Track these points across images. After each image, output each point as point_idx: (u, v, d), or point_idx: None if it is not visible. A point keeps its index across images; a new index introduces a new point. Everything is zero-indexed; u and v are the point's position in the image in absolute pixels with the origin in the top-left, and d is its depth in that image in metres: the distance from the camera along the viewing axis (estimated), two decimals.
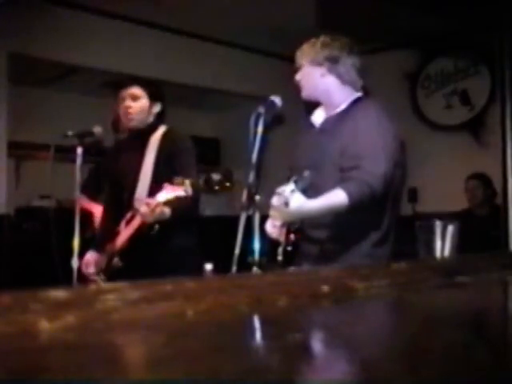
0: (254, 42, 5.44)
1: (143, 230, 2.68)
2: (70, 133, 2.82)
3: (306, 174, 2.09)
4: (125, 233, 2.76)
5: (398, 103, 5.58)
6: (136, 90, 2.86)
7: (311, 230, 2.30)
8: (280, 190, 2.02)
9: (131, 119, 2.86)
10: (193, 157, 2.85)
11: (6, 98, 4.51)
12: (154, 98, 2.88)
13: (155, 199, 2.55)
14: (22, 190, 5.43)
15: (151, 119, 2.90)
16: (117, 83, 2.98)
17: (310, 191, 2.08)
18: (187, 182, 2.46)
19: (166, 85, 5.37)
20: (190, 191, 2.46)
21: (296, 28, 4.58)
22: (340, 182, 2.14)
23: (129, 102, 2.85)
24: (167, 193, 2.50)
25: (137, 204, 2.79)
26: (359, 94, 2.36)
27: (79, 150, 2.76)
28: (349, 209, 2.08)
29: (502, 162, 3.78)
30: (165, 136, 2.86)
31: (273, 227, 2.30)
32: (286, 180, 2.48)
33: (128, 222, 2.78)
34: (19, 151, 5.30)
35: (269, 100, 2.29)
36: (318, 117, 2.42)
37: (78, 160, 2.76)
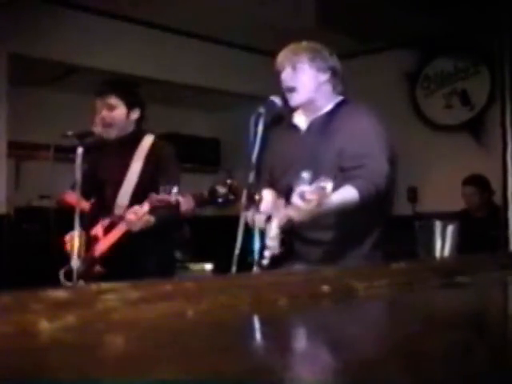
0: (254, 41, 5.44)
1: (126, 237, 2.69)
2: (69, 133, 2.82)
3: (305, 175, 2.07)
4: (106, 240, 2.76)
5: (397, 103, 5.59)
6: (112, 100, 2.86)
7: (308, 231, 2.25)
8: (314, 187, 1.91)
9: (107, 130, 2.86)
10: (178, 169, 2.91)
11: (6, 98, 4.51)
12: (131, 105, 2.88)
13: (142, 208, 2.56)
14: (22, 190, 5.43)
15: (131, 126, 2.91)
16: (96, 91, 2.96)
17: None
18: (175, 189, 2.46)
19: (166, 85, 5.41)
20: (176, 199, 2.47)
21: (296, 28, 4.58)
22: (341, 181, 2.12)
23: (104, 112, 2.86)
24: (155, 201, 2.51)
25: (118, 211, 2.80)
26: (342, 97, 2.37)
27: (79, 150, 2.75)
28: (358, 207, 2.06)
29: (501, 162, 3.78)
30: (152, 147, 2.88)
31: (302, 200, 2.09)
32: (266, 183, 2.45)
33: (107, 229, 2.78)
34: (19, 151, 5.29)
35: (269, 100, 2.28)
36: (299, 119, 2.40)
37: (78, 160, 2.75)
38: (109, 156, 2.97)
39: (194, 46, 5.41)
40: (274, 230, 2.24)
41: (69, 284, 2.76)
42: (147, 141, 2.90)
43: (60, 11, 4.62)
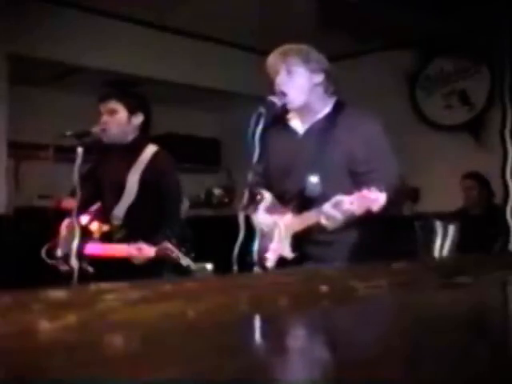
0: (254, 41, 5.44)
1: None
2: (68, 133, 2.81)
3: (314, 179, 2.09)
4: (105, 249, 2.77)
5: (398, 103, 5.59)
6: (112, 104, 2.85)
7: (321, 233, 2.22)
8: (355, 197, 1.92)
9: (108, 135, 2.84)
10: (177, 183, 2.90)
11: (6, 98, 4.51)
12: (132, 109, 2.87)
13: (149, 251, 2.59)
14: (22, 190, 5.42)
15: (134, 132, 2.89)
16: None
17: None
18: (177, 254, 2.52)
19: (166, 85, 5.41)
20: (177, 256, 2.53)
21: (296, 28, 4.58)
22: (355, 185, 2.12)
23: (105, 117, 2.85)
24: (163, 250, 2.57)
25: (114, 221, 2.82)
26: (335, 98, 2.37)
27: (79, 150, 2.75)
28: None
29: (501, 162, 3.79)
30: (153, 159, 2.86)
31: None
32: (266, 188, 2.44)
33: (104, 235, 2.81)
34: (19, 151, 5.29)
35: (269, 100, 2.28)
36: (295, 122, 2.40)
37: (78, 160, 2.75)
38: (110, 162, 2.96)
39: (194, 46, 5.40)
40: (282, 233, 2.24)
41: (50, 262, 2.82)
42: (148, 152, 2.87)
43: (60, 11, 4.62)
